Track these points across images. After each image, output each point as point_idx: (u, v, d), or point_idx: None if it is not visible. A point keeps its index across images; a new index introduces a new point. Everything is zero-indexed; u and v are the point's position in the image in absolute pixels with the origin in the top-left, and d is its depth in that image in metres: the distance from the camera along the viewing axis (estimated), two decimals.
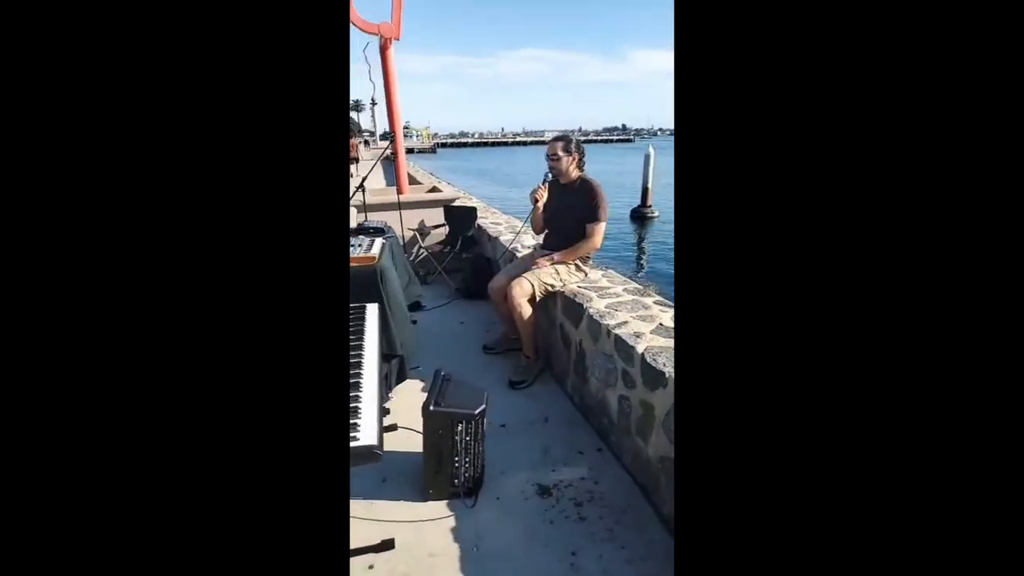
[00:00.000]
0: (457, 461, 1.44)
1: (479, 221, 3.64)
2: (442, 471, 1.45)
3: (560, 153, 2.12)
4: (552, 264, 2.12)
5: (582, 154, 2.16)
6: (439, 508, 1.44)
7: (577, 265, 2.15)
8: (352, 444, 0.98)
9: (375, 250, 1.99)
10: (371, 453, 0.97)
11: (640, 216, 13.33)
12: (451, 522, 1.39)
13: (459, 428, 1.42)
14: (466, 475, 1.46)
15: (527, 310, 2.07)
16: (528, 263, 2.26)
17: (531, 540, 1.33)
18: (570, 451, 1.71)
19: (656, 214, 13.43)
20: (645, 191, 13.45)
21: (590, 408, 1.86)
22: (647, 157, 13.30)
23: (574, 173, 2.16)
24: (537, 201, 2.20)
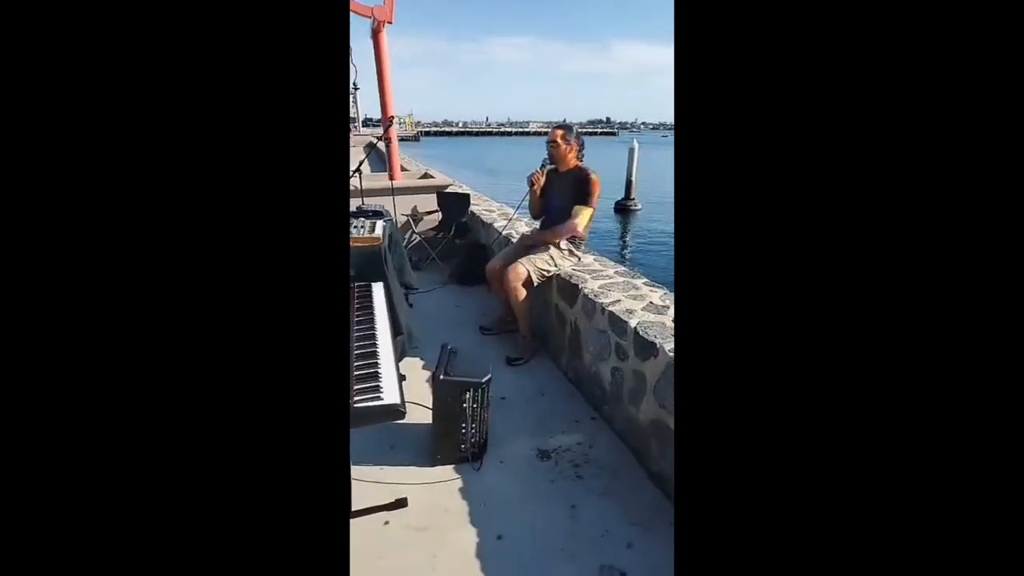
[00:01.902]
0: (464, 427, 1.55)
1: (472, 208, 3.72)
2: (450, 437, 1.56)
3: (559, 140, 2.22)
4: (532, 238, 2.22)
5: (581, 145, 2.26)
6: (447, 472, 1.55)
7: (570, 250, 2.26)
8: (377, 403, 1.08)
9: (378, 231, 2.06)
10: (395, 411, 1.07)
11: (623, 208, 13.53)
12: (459, 483, 1.50)
13: (467, 396, 1.52)
14: (472, 440, 1.57)
15: (522, 293, 2.17)
16: (522, 248, 2.36)
17: (534, 497, 1.45)
18: (567, 420, 1.83)
19: (639, 207, 13.66)
20: (629, 184, 13.66)
21: (583, 381, 1.99)
22: (631, 151, 13.48)
23: (572, 162, 2.26)
24: (533, 185, 2.29)
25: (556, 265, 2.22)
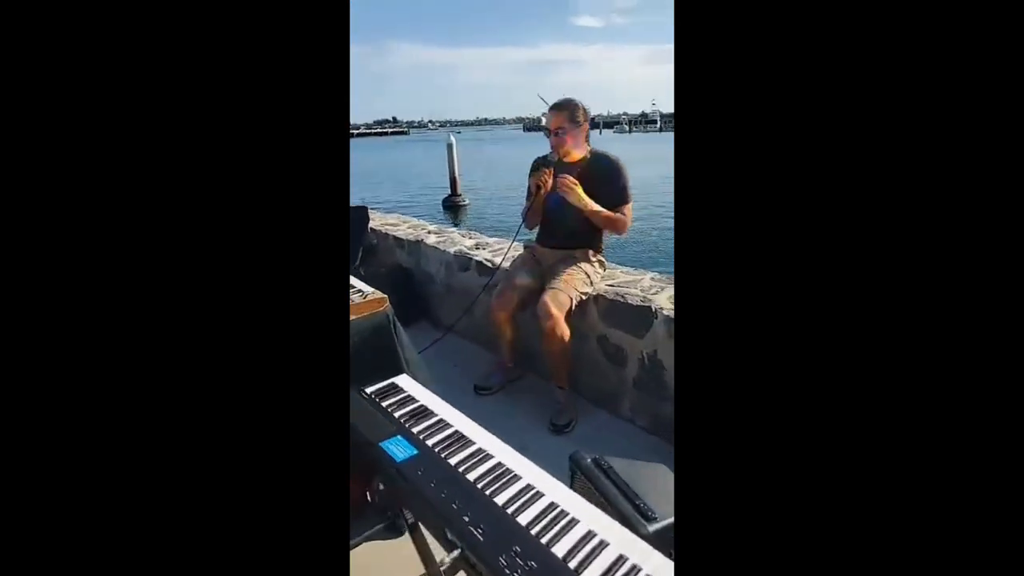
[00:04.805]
0: None
1: (371, 225, 2.79)
2: None
3: (567, 125, 1.64)
4: (574, 190, 1.59)
5: (590, 123, 1.74)
6: None
7: (600, 261, 1.76)
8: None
9: (367, 287, 1.17)
10: None
11: (452, 205, 13.36)
12: None
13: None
14: None
15: (566, 330, 1.58)
16: (531, 265, 1.75)
17: None
18: None
19: (467, 202, 13.67)
20: (453, 180, 13.48)
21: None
22: (450, 147, 13.28)
23: (583, 149, 1.70)
24: (540, 189, 1.67)
25: (592, 284, 1.69)
